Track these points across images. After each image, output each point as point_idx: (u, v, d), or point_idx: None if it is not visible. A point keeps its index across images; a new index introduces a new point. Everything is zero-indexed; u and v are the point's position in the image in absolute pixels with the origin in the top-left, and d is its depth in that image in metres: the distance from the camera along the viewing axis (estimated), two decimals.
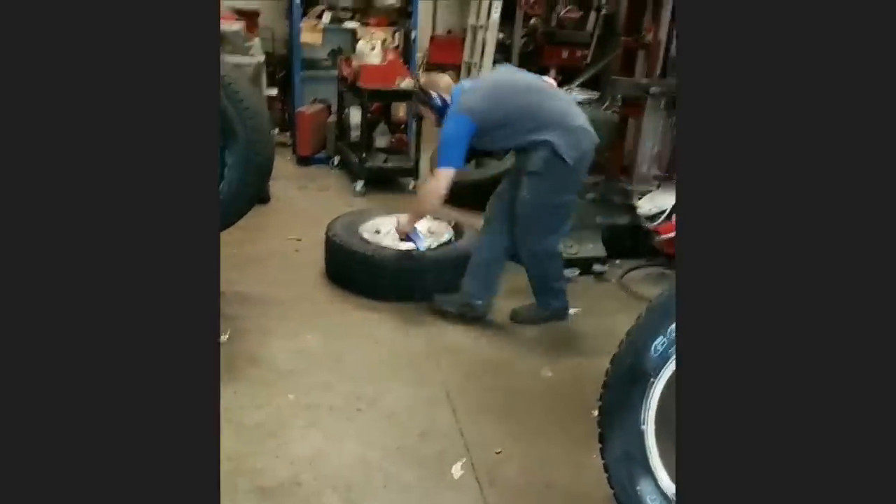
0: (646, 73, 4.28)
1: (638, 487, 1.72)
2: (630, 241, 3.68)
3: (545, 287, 2.91)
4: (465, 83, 2.92)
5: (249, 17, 5.33)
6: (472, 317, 2.92)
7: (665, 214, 3.36)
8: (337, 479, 1.94)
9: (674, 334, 1.70)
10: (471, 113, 2.65)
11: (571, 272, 3.46)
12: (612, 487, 1.78)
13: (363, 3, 5.44)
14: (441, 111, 2.80)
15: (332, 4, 5.38)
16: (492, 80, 3.01)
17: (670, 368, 1.71)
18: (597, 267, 3.51)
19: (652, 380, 1.72)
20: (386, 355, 2.67)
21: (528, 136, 2.63)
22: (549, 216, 2.75)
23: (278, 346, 2.67)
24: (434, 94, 2.81)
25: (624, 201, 3.77)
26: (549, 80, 3.01)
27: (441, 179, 2.69)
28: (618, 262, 3.64)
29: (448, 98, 2.79)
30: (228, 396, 2.30)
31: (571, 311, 3.14)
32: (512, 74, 2.92)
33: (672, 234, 3.28)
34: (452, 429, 2.22)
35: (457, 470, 2.02)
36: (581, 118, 2.70)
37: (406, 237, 3.01)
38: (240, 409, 2.23)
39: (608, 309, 3.15)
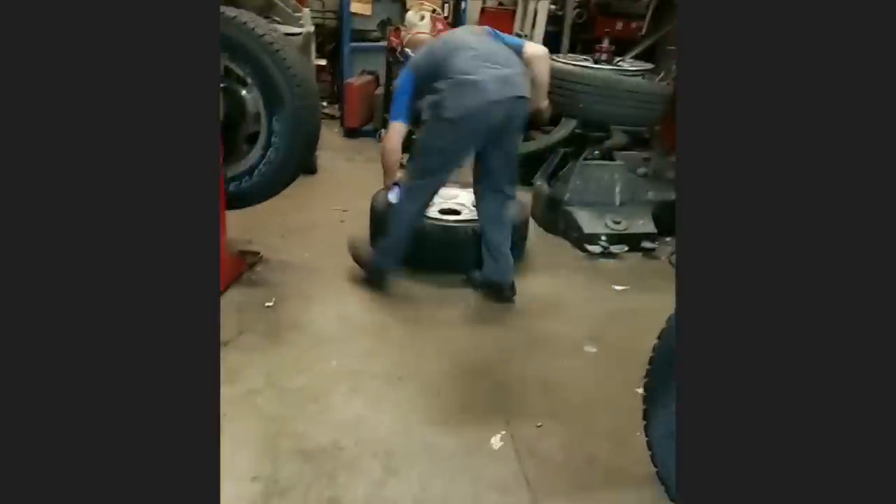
0: None
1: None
2: None
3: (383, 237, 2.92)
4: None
5: None
6: None
7: None
8: (377, 445, 1.96)
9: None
10: (414, 67, 2.78)
11: (620, 248, 3.39)
12: (654, 465, 1.74)
13: None
14: None
15: None
16: (442, 37, 2.93)
17: None
18: (646, 243, 3.42)
19: None
20: (427, 326, 2.67)
21: (434, 88, 2.65)
22: (422, 157, 2.76)
23: (321, 313, 2.69)
24: (411, 55, 2.93)
25: (674, 175, 3.65)
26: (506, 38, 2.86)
27: (390, 132, 2.81)
28: (668, 239, 3.54)
29: None
30: (272, 360, 2.34)
31: (617, 287, 3.08)
32: (463, 33, 2.95)
33: None
34: (493, 401, 2.21)
35: (496, 441, 2.01)
36: (487, 73, 2.57)
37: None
38: (282, 373, 2.27)
39: (656, 286, 3.06)
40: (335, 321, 2.66)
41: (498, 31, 2.88)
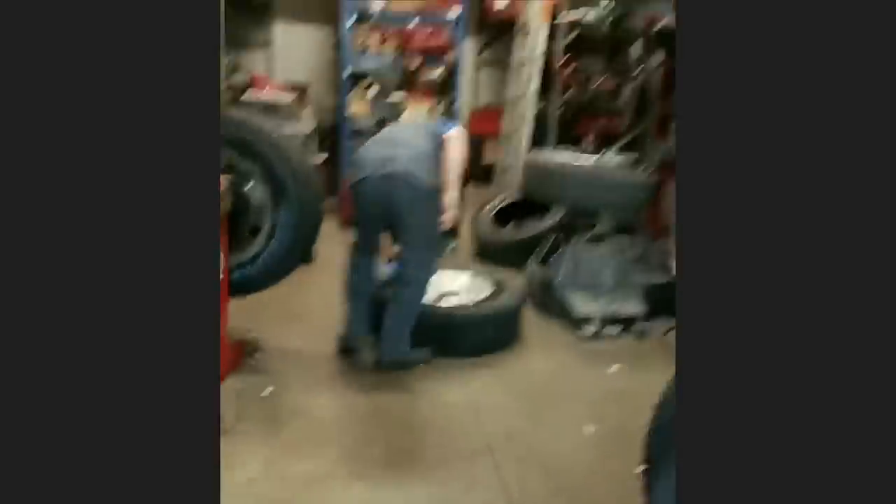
0: None
1: None
2: (671, 300, 3.65)
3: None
4: None
5: (300, 89, 5.69)
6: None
7: None
8: None
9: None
10: None
11: (612, 330, 3.46)
12: None
13: (408, 77, 5.72)
14: None
15: (381, 79, 5.68)
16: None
17: None
18: (637, 325, 3.50)
19: None
20: (427, 410, 2.69)
21: None
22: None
23: (319, 400, 2.71)
24: None
25: (663, 261, 3.78)
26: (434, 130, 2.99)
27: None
28: (658, 321, 3.61)
29: None
30: (271, 448, 2.34)
31: (612, 368, 3.12)
32: (405, 122, 3.37)
33: None
34: (496, 483, 2.21)
35: None
36: (372, 152, 2.88)
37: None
38: (282, 461, 2.27)
39: (650, 366, 3.11)
40: (333, 408, 2.67)
41: (446, 123, 3.10)
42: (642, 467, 1.77)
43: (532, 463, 2.33)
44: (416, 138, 2.88)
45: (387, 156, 2.79)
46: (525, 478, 2.25)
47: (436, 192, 2.87)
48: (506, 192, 5.26)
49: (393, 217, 2.84)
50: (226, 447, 2.27)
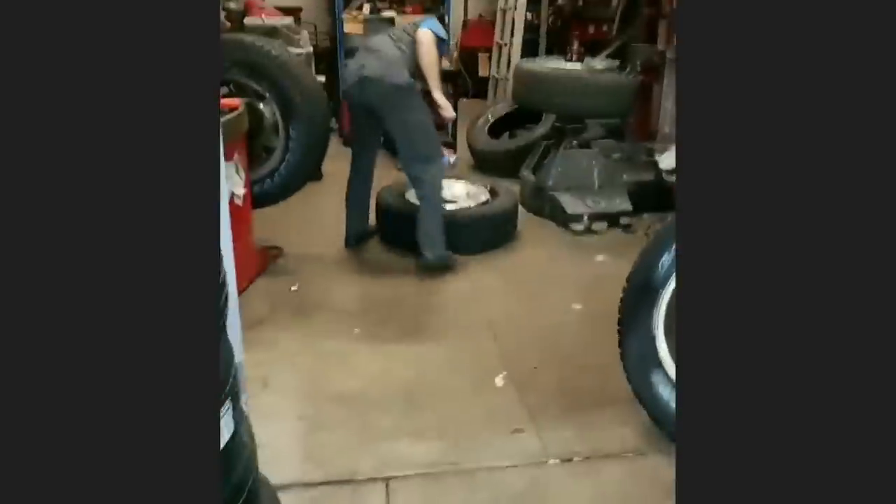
0: (666, 42, 4.54)
1: (652, 379, 2.06)
2: (655, 196, 3.97)
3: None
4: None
5: (293, 12, 5.77)
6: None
7: None
8: (400, 388, 2.34)
9: (675, 252, 2.03)
10: None
11: (600, 225, 3.79)
12: (630, 382, 2.13)
13: None
14: None
15: None
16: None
17: (674, 281, 2.04)
18: (623, 220, 3.83)
19: (660, 291, 2.07)
20: (434, 297, 3.06)
21: None
22: None
23: (340, 292, 3.09)
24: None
25: (648, 159, 4.06)
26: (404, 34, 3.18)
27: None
28: (644, 216, 3.94)
29: None
30: (304, 330, 2.73)
31: (599, 258, 3.48)
32: (376, 37, 3.29)
33: None
34: (494, 352, 2.60)
35: (499, 380, 2.40)
36: (351, 63, 3.19)
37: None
38: (314, 342, 2.65)
39: (633, 255, 3.43)
40: (353, 298, 3.05)
41: (427, 20, 3.24)
42: (617, 325, 2.15)
43: (526, 333, 2.71)
44: (386, 44, 3.12)
45: (361, 64, 3.09)
46: (519, 344, 2.64)
47: (411, 90, 3.10)
48: (500, 104, 5.46)
49: (375, 119, 3.16)
50: (265, 333, 2.66)
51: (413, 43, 3.12)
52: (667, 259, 2.07)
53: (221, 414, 1.25)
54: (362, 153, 3.45)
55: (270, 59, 3.08)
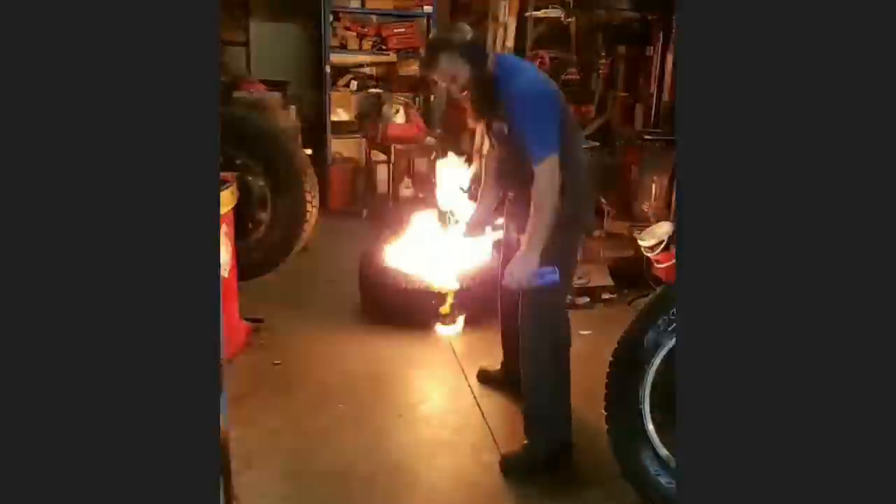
0: (642, 124, 4.74)
1: (641, 456, 2.05)
2: (635, 272, 4.04)
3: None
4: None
5: (279, 87, 5.91)
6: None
7: (663, 245, 3.74)
8: (388, 463, 2.30)
9: (662, 327, 2.07)
10: (552, 96, 2.18)
11: (583, 300, 3.84)
12: (618, 460, 2.11)
13: (387, 72, 6.03)
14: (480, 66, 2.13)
15: (359, 74, 5.98)
16: (543, 78, 2.30)
17: (660, 356, 2.07)
18: (605, 295, 3.88)
19: (646, 366, 2.09)
20: (418, 370, 3.05)
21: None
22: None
23: (324, 368, 3.05)
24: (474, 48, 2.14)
25: (628, 237, 4.16)
26: None
27: (548, 168, 2.07)
28: (626, 291, 4.00)
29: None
30: (287, 407, 2.68)
31: (583, 332, 3.50)
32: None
33: (670, 263, 3.65)
34: (481, 428, 2.57)
35: (486, 457, 2.37)
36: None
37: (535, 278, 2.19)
38: (298, 417, 2.61)
39: (616, 330, 3.47)
40: (338, 374, 3.02)
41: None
42: (604, 401, 2.15)
43: (513, 409, 2.69)
44: None
45: None
46: (506, 420, 2.61)
47: None
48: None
49: None
50: (246, 409, 2.61)
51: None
52: (651, 335, 2.11)
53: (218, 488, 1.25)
54: None
55: (261, 133, 3.17)
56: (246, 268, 3.20)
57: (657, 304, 2.14)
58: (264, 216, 3.18)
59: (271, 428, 2.51)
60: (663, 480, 2.02)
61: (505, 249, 2.54)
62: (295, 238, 3.26)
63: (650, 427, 2.05)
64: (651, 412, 2.07)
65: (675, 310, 2.04)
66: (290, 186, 3.12)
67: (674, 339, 2.04)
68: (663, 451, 2.04)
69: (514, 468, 2.29)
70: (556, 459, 2.32)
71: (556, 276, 2.18)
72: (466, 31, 2.15)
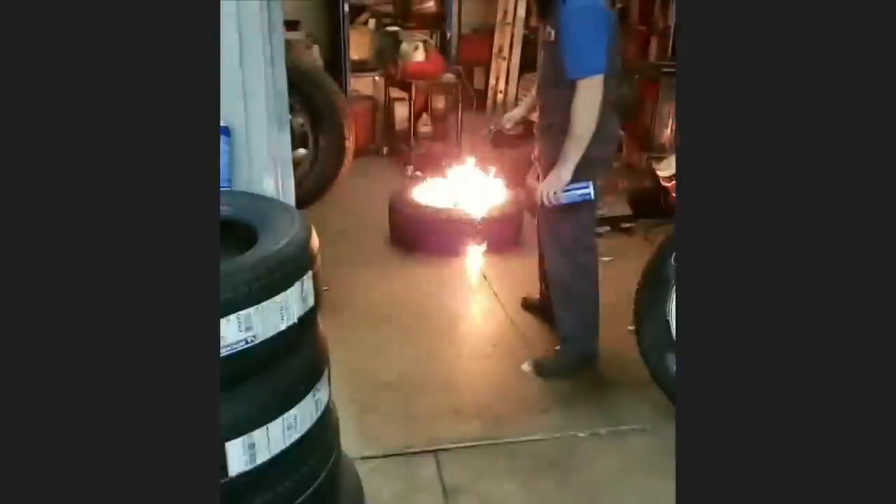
0: (657, 56, 4.84)
1: (667, 361, 2.31)
2: (652, 202, 4.24)
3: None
4: None
5: (291, 25, 5.91)
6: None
7: None
8: (436, 375, 2.57)
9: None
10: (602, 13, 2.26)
11: (603, 229, 4.05)
12: (647, 365, 2.37)
13: (403, 10, 6.06)
14: None
15: (376, 12, 6.01)
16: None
17: None
18: (624, 224, 4.09)
19: (672, 282, 2.31)
20: (458, 293, 3.31)
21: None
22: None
23: (369, 293, 3.30)
24: None
25: (646, 167, 4.34)
26: None
27: (591, 87, 2.18)
28: (643, 220, 4.21)
29: None
30: (337, 328, 2.91)
31: (603, 259, 3.72)
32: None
33: None
34: (518, 340, 2.84)
35: (525, 366, 2.63)
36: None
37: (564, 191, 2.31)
38: (347, 337, 2.85)
39: (634, 257, 3.68)
40: (380, 298, 3.26)
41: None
42: (633, 313, 2.39)
43: (545, 323, 2.95)
44: None
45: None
46: (540, 332, 2.88)
47: None
48: (499, 118, 5.71)
49: None
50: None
51: None
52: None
53: (317, 390, 1.47)
54: None
55: (298, 71, 3.31)
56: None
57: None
58: (306, 152, 3.36)
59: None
60: None
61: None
62: (336, 172, 3.45)
63: (675, 336, 2.29)
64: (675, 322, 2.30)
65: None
66: (330, 124, 3.28)
67: None
68: None
69: (545, 371, 2.57)
70: (584, 366, 2.58)
71: (590, 192, 2.30)
72: None
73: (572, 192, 2.31)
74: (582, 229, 2.51)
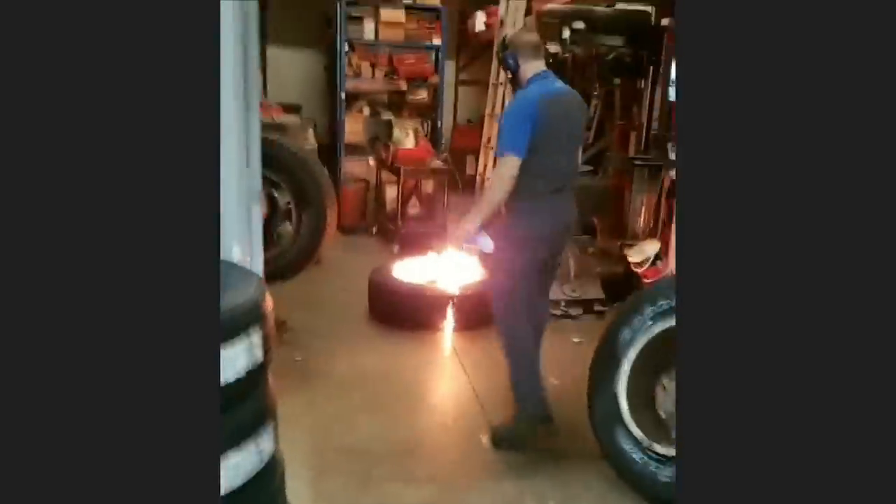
0: (636, 150, 5.12)
1: (615, 434, 2.38)
2: (624, 287, 4.39)
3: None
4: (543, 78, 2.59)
5: (293, 110, 6.28)
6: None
7: (650, 261, 4.09)
8: (399, 443, 2.64)
9: (636, 325, 2.40)
10: (537, 105, 2.46)
11: (576, 311, 4.18)
12: (596, 437, 2.44)
13: (397, 99, 6.46)
14: (514, 72, 2.61)
15: (371, 100, 6.40)
16: (542, 93, 2.53)
17: (634, 351, 2.40)
18: (597, 307, 4.23)
19: (622, 359, 2.42)
20: (426, 367, 3.39)
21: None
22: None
23: (341, 364, 3.39)
24: (510, 55, 2.57)
25: (619, 254, 4.52)
26: None
27: (504, 165, 2.45)
28: (615, 304, 4.34)
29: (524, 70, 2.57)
30: (308, 395, 3.02)
31: (575, 339, 3.84)
32: (566, 100, 2.64)
33: (656, 277, 4.00)
34: (477, 404, 2.92)
35: (484, 439, 2.70)
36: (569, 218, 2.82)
37: (466, 243, 2.68)
38: (318, 403, 2.94)
39: None
40: (353, 369, 3.36)
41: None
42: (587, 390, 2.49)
43: (508, 402, 3.02)
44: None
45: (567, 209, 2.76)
46: (503, 410, 2.94)
47: None
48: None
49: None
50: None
51: None
52: (626, 333, 2.44)
53: (266, 432, 1.57)
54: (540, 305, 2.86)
55: (286, 152, 3.55)
56: (268, 276, 3.55)
57: (631, 306, 2.48)
58: (289, 228, 3.55)
59: (294, 412, 2.85)
60: (636, 457, 2.35)
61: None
62: (316, 248, 3.62)
63: (624, 410, 2.38)
64: (625, 398, 2.40)
65: (647, 310, 2.39)
66: (313, 202, 3.49)
67: (645, 336, 2.38)
68: (635, 431, 2.37)
69: (501, 438, 2.64)
70: (537, 433, 2.61)
71: (489, 245, 2.62)
72: (520, 40, 2.64)
73: (473, 241, 2.64)
74: (516, 300, 2.63)
